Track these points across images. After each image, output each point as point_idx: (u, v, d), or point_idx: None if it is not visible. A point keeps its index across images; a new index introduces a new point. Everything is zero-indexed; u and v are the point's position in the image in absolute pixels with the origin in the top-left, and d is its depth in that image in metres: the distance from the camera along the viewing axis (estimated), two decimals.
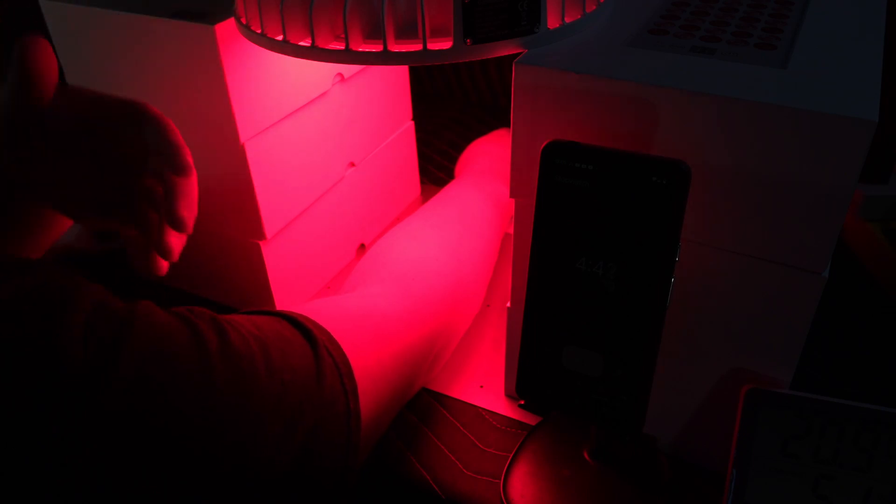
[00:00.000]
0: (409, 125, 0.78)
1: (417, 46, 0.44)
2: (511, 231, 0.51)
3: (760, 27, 0.47)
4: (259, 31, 0.48)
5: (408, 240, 0.59)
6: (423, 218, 0.63)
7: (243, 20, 0.49)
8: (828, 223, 0.39)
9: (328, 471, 0.41)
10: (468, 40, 0.44)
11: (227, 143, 0.56)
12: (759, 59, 0.42)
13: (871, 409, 0.43)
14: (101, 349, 0.32)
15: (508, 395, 0.58)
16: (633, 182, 0.39)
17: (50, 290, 0.33)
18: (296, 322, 0.43)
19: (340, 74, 0.64)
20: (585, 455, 0.49)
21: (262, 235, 0.60)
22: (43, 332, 0.31)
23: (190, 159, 0.50)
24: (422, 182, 0.84)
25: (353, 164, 0.70)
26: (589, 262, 0.41)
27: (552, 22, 0.45)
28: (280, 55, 0.48)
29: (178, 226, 0.49)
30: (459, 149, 0.86)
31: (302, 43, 0.46)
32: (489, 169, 0.74)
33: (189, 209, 0.50)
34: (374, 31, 0.46)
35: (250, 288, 0.64)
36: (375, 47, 0.45)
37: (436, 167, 0.89)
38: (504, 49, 0.45)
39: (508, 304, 0.53)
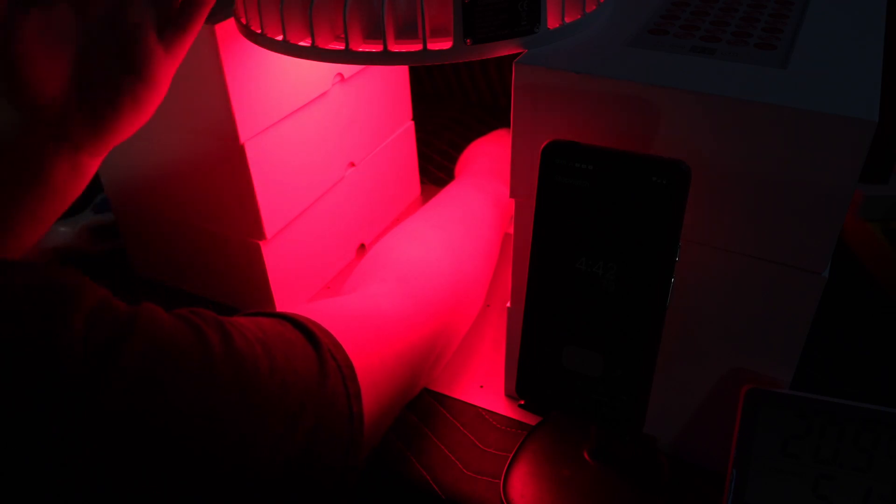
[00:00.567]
0: (409, 125, 0.78)
1: (417, 46, 0.44)
2: (511, 231, 0.51)
3: (760, 27, 0.47)
4: (259, 31, 0.48)
5: (409, 240, 0.59)
6: (423, 218, 0.63)
7: (243, 20, 0.50)
8: (828, 223, 0.39)
9: (329, 471, 0.41)
10: (468, 40, 0.44)
11: (227, 143, 0.56)
12: (759, 59, 0.42)
13: (871, 409, 0.43)
14: (102, 349, 0.32)
15: (508, 395, 0.58)
16: (633, 182, 0.39)
17: (51, 290, 0.33)
18: (298, 324, 0.43)
19: (340, 74, 0.64)
20: (585, 455, 0.49)
21: (262, 235, 0.60)
22: (43, 332, 0.31)
23: None
24: (422, 182, 0.84)
25: (353, 164, 0.70)
26: (589, 262, 0.41)
27: (552, 22, 0.45)
28: (280, 55, 0.48)
29: None
30: (459, 149, 0.86)
31: (302, 43, 0.46)
32: (489, 169, 0.74)
33: None
34: (374, 31, 0.46)
35: (250, 288, 0.64)
36: (375, 47, 0.45)
37: (436, 167, 0.89)
38: (504, 49, 0.45)
39: (508, 304, 0.53)
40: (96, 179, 0.65)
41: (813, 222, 0.39)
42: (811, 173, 0.38)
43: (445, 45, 0.44)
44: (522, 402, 0.46)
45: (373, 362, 0.45)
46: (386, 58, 0.45)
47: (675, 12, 0.50)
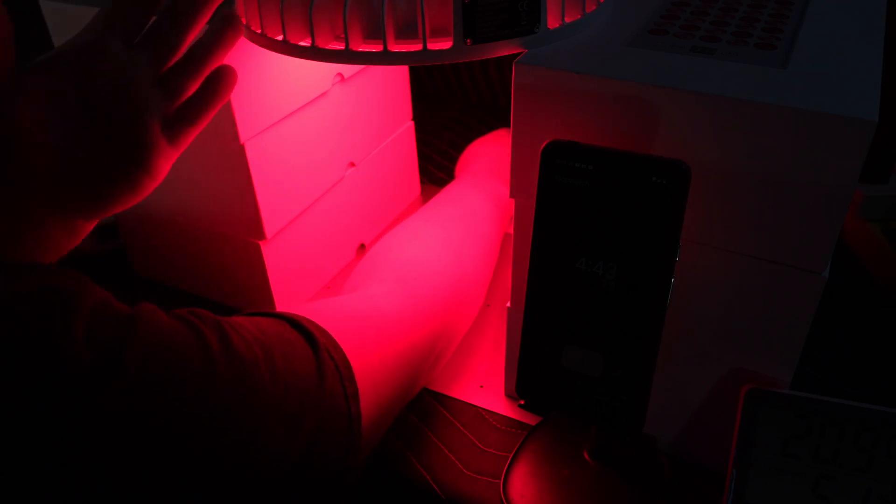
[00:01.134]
0: (409, 125, 0.78)
1: (417, 46, 0.44)
2: (511, 231, 0.51)
3: (760, 27, 0.47)
4: (259, 31, 0.48)
5: (409, 240, 0.59)
6: (423, 218, 0.63)
7: (243, 20, 0.50)
8: (828, 223, 0.39)
9: (329, 471, 0.41)
10: (468, 40, 0.44)
11: (227, 143, 0.56)
12: (759, 59, 0.42)
13: (871, 409, 0.43)
14: (103, 350, 0.32)
15: (508, 395, 0.58)
16: (633, 182, 0.39)
17: (51, 291, 0.33)
18: (297, 324, 0.43)
19: (340, 74, 0.64)
20: (585, 455, 0.49)
21: (262, 235, 0.60)
22: (44, 333, 0.31)
23: None
24: (422, 182, 0.84)
25: (353, 164, 0.70)
26: (589, 262, 0.41)
27: (552, 22, 0.45)
28: (280, 55, 0.48)
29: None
30: (459, 149, 0.86)
31: (302, 43, 0.46)
32: (489, 169, 0.74)
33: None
34: (374, 31, 0.46)
35: (250, 288, 0.64)
36: (375, 47, 0.45)
37: (436, 167, 0.89)
38: (504, 49, 0.45)
39: (508, 304, 0.53)
40: None
41: (813, 222, 0.39)
42: (811, 173, 0.38)
43: (445, 45, 0.44)
44: (522, 402, 0.46)
45: (372, 362, 0.45)
46: (386, 58, 0.45)
47: (675, 12, 0.50)
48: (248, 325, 0.40)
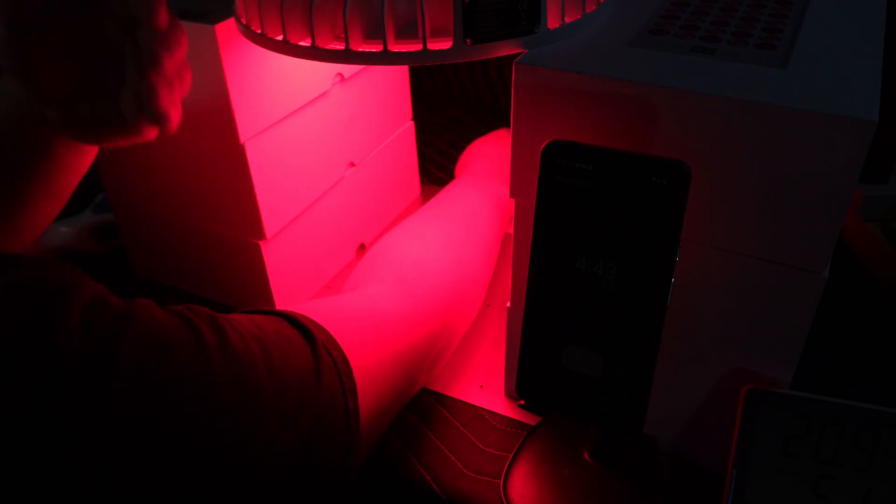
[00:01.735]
0: (409, 125, 0.78)
1: (417, 46, 0.44)
2: (511, 231, 0.51)
3: (760, 27, 0.47)
4: (259, 31, 0.48)
5: (408, 240, 0.59)
6: (423, 218, 0.63)
7: (243, 20, 0.49)
8: (828, 223, 0.39)
9: (328, 469, 0.41)
10: (468, 40, 0.44)
11: (227, 143, 0.56)
12: (759, 59, 0.42)
13: (871, 409, 0.43)
14: (98, 346, 0.32)
15: (508, 395, 0.58)
16: (633, 182, 0.39)
17: (46, 286, 0.33)
18: (295, 321, 0.43)
19: (340, 74, 0.64)
20: (585, 455, 0.49)
21: (262, 235, 0.60)
22: (40, 329, 0.31)
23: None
24: (422, 182, 0.84)
25: (353, 164, 0.70)
26: (589, 262, 0.41)
27: (552, 22, 0.45)
28: (280, 55, 0.48)
29: (156, 76, 0.44)
30: (459, 149, 0.87)
31: (302, 43, 0.46)
32: (489, 169, 0.74)
33: (172, 58, 0.45)
34: (374, 31, 0.46)
35: (250, 288, 0.64)
36: (375, 47, 0.45)
37: (436, 167, 0.89)
38: (504, 49, 0.45)
39: (508, 304, 0.53)
40: (96, 179, 0.65)
41: (813, 222, 0.39)
42: (811, 173, 0.38)
43: (445, 45, 0.44)
44: (522, 402, 0.46)
45: (371, 361, 0.45)
46: (386, 58, 0.45)
47: (675, 12, 0.50)
48: (245, 321, 0.40)
